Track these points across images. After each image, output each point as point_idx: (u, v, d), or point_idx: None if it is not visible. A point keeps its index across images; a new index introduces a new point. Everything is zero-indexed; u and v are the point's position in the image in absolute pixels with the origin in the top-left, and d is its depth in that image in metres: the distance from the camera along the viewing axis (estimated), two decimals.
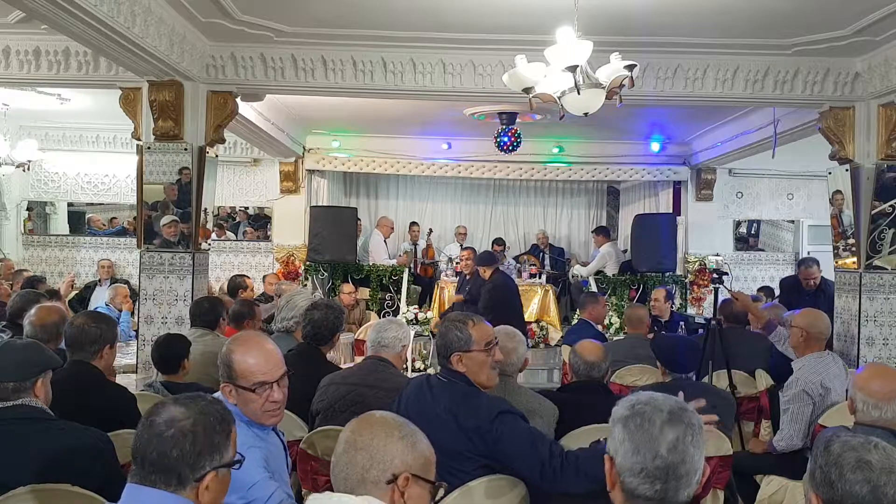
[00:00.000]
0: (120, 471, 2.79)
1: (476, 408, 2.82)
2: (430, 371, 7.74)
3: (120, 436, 3.04)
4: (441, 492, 1.88)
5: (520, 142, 8.14)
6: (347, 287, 8.83)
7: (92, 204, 11.06)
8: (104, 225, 11.24)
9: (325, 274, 9.65)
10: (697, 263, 10.51)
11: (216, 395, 2.57)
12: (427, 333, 8.78)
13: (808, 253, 11.48)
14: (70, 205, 11.14)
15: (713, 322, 5.31)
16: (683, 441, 1.66)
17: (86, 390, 3.34)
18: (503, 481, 2.78)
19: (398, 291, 9.40)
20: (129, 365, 5.79)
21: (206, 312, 5.03)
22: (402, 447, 1.79)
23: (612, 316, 8.91)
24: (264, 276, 9.37)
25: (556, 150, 10.39)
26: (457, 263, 9.28)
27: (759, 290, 9.25)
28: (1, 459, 2.50)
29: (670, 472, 1.64)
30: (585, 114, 4.13)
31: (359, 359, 6.13)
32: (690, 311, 10.05)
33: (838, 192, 6.15)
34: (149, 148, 5.81)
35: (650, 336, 5.80)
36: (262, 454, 2.39)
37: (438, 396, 2.92)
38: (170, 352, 4.18)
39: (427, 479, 1.80)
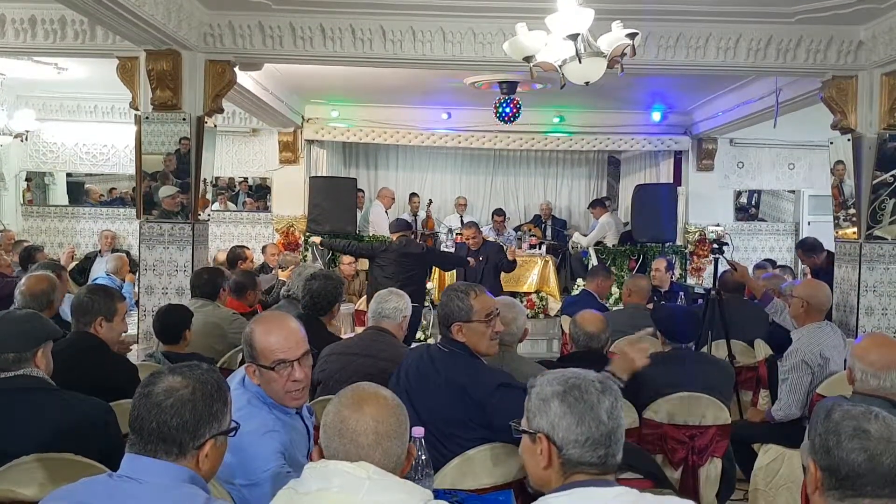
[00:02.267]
0: (122, 440, 2.80)
1: (478, 379, 2.85)
2: (431, 342, 7.77)
3: (122, 405, 3.06)
4: None
5: (520, 111, 8.10)
6: (348, 258, 8.83)
7: (91, 174, 11.03)
8: (102, 196, 11.21)
9: None
10: (698, 234, 10.51)
11: (239, 370, 2.57)
12: (427, 304, 8.79)
13: (809, 223, 11.50)
14: (69, 175, 11.10)
15: (713, 292, 5.32)
16: (616, 407, 1.80)
17: (86, 360, 3.35)
18: (502, 450, 2.81)
19: None
20: (130, 335, 5.81)
21: (206, 283, 5.05)
22: (408, 424, 1.87)
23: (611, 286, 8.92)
24: (264, 247, 9.36)
25: (556, 120, 10.33)
26: (457, 234, 9.28)
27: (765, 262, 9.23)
28: (3, 429, 2.52)
29: (611, 437, 1.76)
30: (587, 83, 4.09)
31: (359, 329, 6.16)
32: (690, 281, 10.07)
33: (840, 162, 6.12)
34: (147, 118, 5.77)
35: (650, 306, 5.81)
36: (279, 439, 2.36)
37: (441, 367, 2.94)
38: (171, 322, 4.20)
39: None
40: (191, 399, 1.80)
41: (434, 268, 8.91)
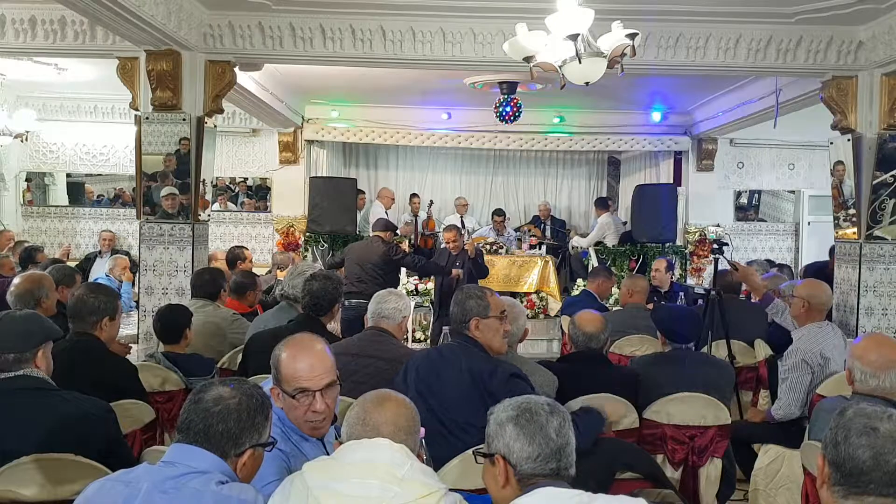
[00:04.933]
0: (122, 440, 2.81)
1: (496, 369, 3.03)
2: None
3: (121, 405, 3.06)
4: None
5: (520, 112, 8.09)
6: None
7: (91, 175, 11.03)
8: (101, 196, 11.21)
9: (326, 245, 9.65)
10: (698, 234, 10.51)
11: (265, 384, 2.54)
12: (427, 304, 8.79)
13: (809, 223, 11.50)
14: (69, 175, 11.09)
15: (713, 292, 5.32)
16: (564, 426, 1.96)
17: (87, 361, 3.35)
18: None
19: None
20: (131, 335, 5.81)
21: (207, 284, 5.04)
22: (419, 427, 2.06)
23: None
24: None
25: (556, 120, 10.34)
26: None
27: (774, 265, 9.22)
28: (3, 430, 2.52)
29: (561, 452, 1.94)
30: (587, 83, 4.10)
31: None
32: (690, 281, 10.07)
33: (839, 162, 6.13)
34: (147, 118, 5.77)
35: (650, 306, 5.81)
36: (283, 461, 2.29)
37: (457, 360, 3.09)
38: (172, 322, 4.21)
39: None
40: (237, 409, 1.95)
41: None
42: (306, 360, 2.41)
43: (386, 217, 10.49)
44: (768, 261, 9.29)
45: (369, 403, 2.00)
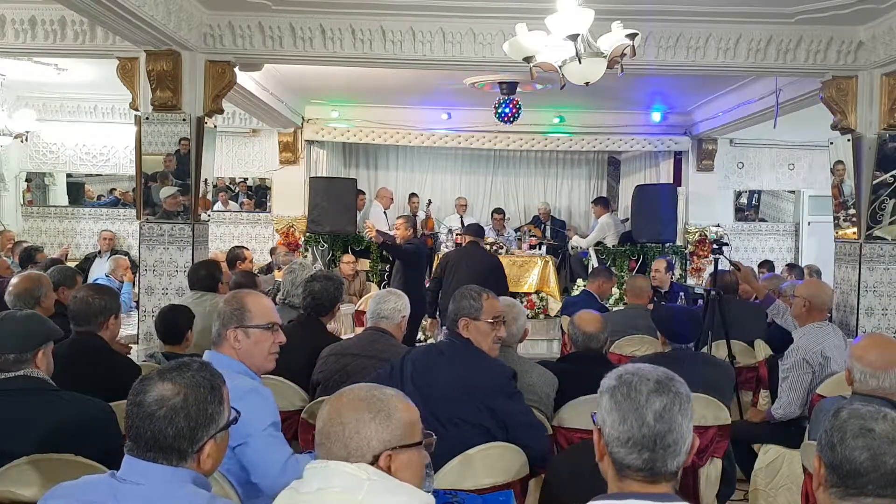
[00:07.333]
0: (122, 440, 2.80)
1: (488, 368, 3.06)
2: (431, 342, 7.73)
3: (121, 406, 3.05)
4: (433, 440, 1.87)
5: (520, 112, 8.09)
6: (348, 258, 8.85)
7: (91, 175, 11.03)
8: (101, 196, 11.22)
9: (326, 245, 9.65)
10: (698, 234, 10.51)
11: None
12: None
13: (809, 223, 11.51)
14: (69, 176, 11.10)
15: (713, 292, 5.32)
16: (671, 410, 1.67)
17: (91, 361, 3.37)
18: (502, 450, 2.81)
19: None
20: (131, 336, 5.81)
21: (204, 279, 5.05)
22: (374, 427, 1.71)
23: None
24: (272, 249, 9.41)
25: (556, 121, 10.33)
26: (458, 235, 9.14)
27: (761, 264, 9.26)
28: (3, 430, 2.52)
29: (658, 441, 1.64)
30: (587, 83, 4.10)
31: (359, 330, 6.14)
32: (690, 281, 10.07)
33: (839, 162, 6.12)
34: (147, 118, 5.77)
35: (650, 307, 5.81)
36: (268, 395, 2.55)
37: (450, 355, 3.12)
38: (174, 322, 4.20)
39: (412, 443, 1.76)
40: (183, 406, 1.76)
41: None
42: (267, 302, 2.80)
43: (385, 217, 10.54)
44: (765, 261, 9.34)
45: (326, 409, 1.77)
